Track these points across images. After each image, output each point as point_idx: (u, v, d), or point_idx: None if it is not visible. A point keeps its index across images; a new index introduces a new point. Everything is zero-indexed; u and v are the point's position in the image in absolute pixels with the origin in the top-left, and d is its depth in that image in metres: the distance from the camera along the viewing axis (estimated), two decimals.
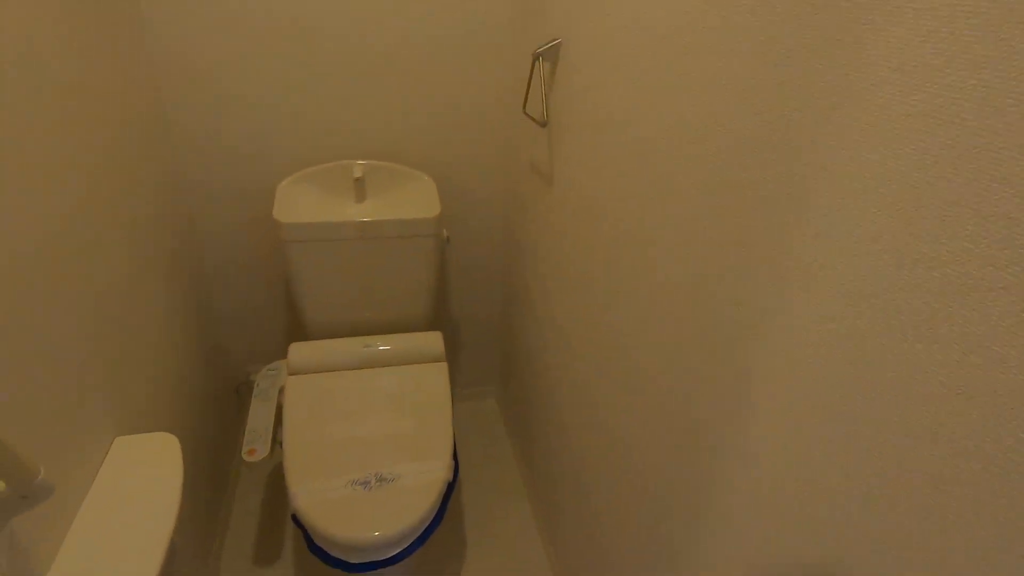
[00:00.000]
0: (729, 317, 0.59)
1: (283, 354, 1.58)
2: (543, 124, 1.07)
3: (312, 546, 1.04)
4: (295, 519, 1.05)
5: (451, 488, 1.14)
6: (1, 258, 0.63)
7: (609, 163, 0.86)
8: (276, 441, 1.23)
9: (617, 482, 0.99)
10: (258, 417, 1.20)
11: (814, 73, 0.45)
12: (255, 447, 1.15)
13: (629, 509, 0.96)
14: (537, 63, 1.08)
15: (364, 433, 1.16)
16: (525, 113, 1.15)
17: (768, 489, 0.56)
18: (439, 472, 1.10)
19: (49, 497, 0.59)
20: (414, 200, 1.33)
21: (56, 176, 0.76)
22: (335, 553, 1.00)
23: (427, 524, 1.06)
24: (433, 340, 1.35)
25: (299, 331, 1.59)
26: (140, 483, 0.82)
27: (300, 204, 1.27)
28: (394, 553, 1.02)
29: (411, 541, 1.04)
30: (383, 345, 1.33)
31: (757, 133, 0.51)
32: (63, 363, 0.75)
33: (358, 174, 1.29)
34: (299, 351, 1.29)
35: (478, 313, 1.71)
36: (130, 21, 1.06)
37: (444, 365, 1.32)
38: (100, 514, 0.77)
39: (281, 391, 1.28)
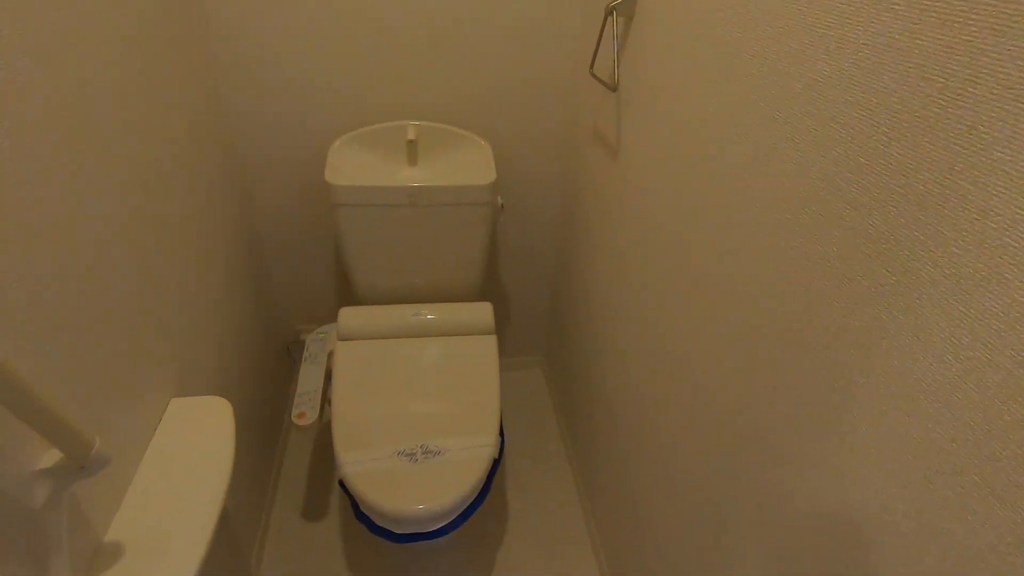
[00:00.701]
0: (828, 333, 0.52)
1: (333, 315, 1.59)
2: (613, 88, 0.98)
3: (358, 514, 1.05)
4: (342, 485, 1.05)
5: (496, 464, 1.13)
6: (60, 219, 0.61)
7: (689, 137, 0.77)
8: (326, 400, 1.24)
9: (657, 472, 0.94)
10: (308, 381, 1.21)
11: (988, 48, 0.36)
12: (304, 411, 1.15)
13: (668, 499, 0.92)
14: (610, 18, 0.98)
15: (411, 403, 1.15)
16: (592, 74, 1.06)
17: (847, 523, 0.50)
18: (485, 448, 1.08)
19: (106, 467, 0.59)
20: (469, 165, 1.27)
21: (111, 130, 0.74)
22: (380, 523, 1.01)
23: (472, 500, 1.05)
24: (483, 311, 1.31)
25: (349, 293, 1.58)
26: (193, 447, 0.83)
27: (351, 166, 1.23)
28: (438, 527, 1.01)
29: (455, 516, 1.03)
30: (433, 314, 1.30)
31: (913, 105, 0.43)
32: (121, 323, 0.75)
33: (411, 136, 1.24)
34: (348, 316, 1.28)
35: (528, 281, 1.66)
36: None
37: (493, 338, 1.28)
38: (156, 477, 0.78)
39: (330, 355, 1.28)
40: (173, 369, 0.90)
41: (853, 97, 0.47)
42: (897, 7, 0.42)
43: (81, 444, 0.56)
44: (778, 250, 0.59)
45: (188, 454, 0.82)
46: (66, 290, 0.63)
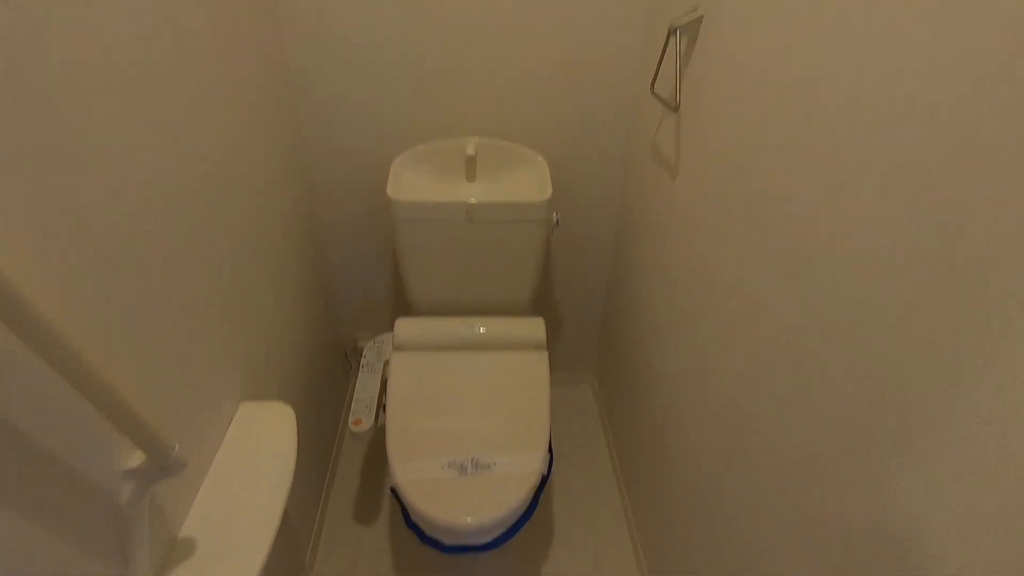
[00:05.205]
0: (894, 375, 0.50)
1: (390, 323, 1.63)
2: (674, 108, 0.97)
3: (408, 522, 1.07)
4: (394, 492, 1.08)
5: (545, 480, 1.13)
6: (144, 225, 0.66)
7: (759, 157, 0.75)
8: (381, 407, 1.27)
9: (706, 499, 0.92)
10: (365, 389, 1.25)
11: None
12: (361, 418, 1.19)
13: (713, 527, 0.89)
14: (672, 38, 0.97)
15: (463, 415, 1.17)
16: (653, 93, 1.05)
17: None
18: (534, 464, 1.08)
19: (183, 469, 0.63)
20: (525, 182, 1.28)
21: (196, 138, 0.79)
22: (430, 533, 1.03)
23: (519, 515, 1.06)
24: (535, 327, 1.32)
25: (406, 303, 1.63)
26: (259, 451, 0.88)
27: (413, 181, 1.27)
28: (486, 540, 1.03)
29: (503, 530, 1.04)
30: (485, 328, 1.32)
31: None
32: (203, 331, 0.80)
33: (471, 152, 1.27)
34: (404, 327, 1.32)
35: (580, 297, 1.65)
36: None
37: (545, 354, 1.29)
38: (226, 477, 0.82)
39: (386, 364, 1.32)
40: (244, 373, 0.95)
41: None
42: None
43: (162, 447, 0.61)
44: (852, 289, 0.57)
45: (254, 457, 0.86)
46: (156, 298, 0.68)
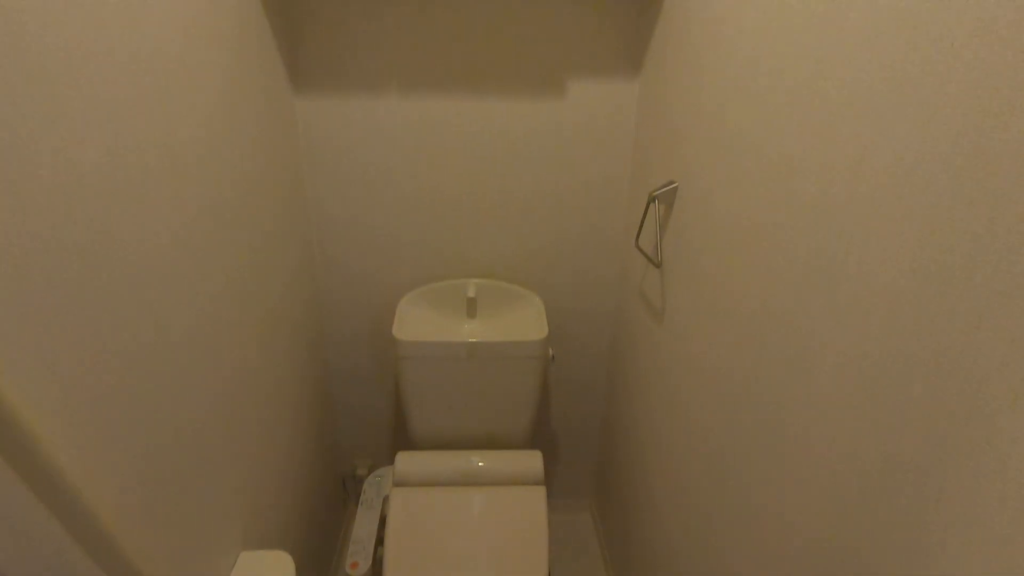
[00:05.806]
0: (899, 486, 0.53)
1: (387, 451, 1.65)
2: (657, 265, 1.07)
3: None
4: None
5: None
6: (152, 372, 0.72)
7: (736, 323, 0.83)
8: (378, 543, 1.26)
9: None
10: (363, 527, 1.25)
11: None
12: (358, 560, 1.18)
13: None
14: (653, 204, 1.10)
15: (461, 556, 1.16)
16: (637, 247, 1.16)
17: None
18: None
19: None
20: (523, 321, 1.37)
21: (216, 279, 0.86)
22: None
23: None
24: (533, 460, 1.35)
25: (405, 431, 1.65)
26: None
27: (417, 321, 1.35)
28: None
29: None
30: (484, 462, 1.34)
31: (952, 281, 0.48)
32: (201, 478, 0.82)
33: (471, 294, 1.36)
34: (405, 462, 1.34)
35: (576, 426, 1.68)
36: (291, 146, 1.22)
37: (543, 489, 1.30)
38: None
39: (385, 500, 1.32)
40: (244, 521, 0.96)
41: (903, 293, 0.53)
42: None
43: None
44: (837, 422, 0.62)
45: None
46: (161, 449, 0.71)
